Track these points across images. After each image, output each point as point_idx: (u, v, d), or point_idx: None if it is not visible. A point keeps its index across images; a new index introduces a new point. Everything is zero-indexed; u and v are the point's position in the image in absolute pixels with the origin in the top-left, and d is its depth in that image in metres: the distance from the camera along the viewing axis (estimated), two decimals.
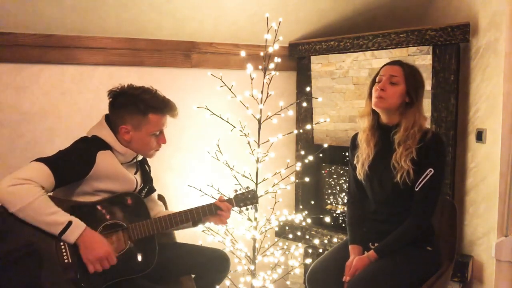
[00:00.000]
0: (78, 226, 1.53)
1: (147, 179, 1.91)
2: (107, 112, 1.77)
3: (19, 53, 2.17)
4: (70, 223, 1.51)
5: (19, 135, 2.23)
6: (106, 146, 1.68)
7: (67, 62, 2.28)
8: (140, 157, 1.85)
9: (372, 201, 1.85)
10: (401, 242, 1.72)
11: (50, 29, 2.21)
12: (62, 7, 2.11)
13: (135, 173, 1.83)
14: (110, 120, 1.75)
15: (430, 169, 1.67)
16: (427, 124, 2.23)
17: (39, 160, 1.54)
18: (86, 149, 1.64)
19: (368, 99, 1.81)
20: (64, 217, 1.52)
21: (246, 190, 1.93)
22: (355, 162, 1.86)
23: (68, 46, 2.27)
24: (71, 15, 2.17)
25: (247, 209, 1.95)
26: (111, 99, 1.75)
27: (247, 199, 1.91)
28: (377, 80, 1.76)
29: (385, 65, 1.79)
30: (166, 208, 2.13)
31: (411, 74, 1.73)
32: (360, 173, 1.83)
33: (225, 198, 1.89)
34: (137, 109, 1.70)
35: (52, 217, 1.49)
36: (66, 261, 1.54)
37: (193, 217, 1.80)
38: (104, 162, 1.64)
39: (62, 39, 2.25)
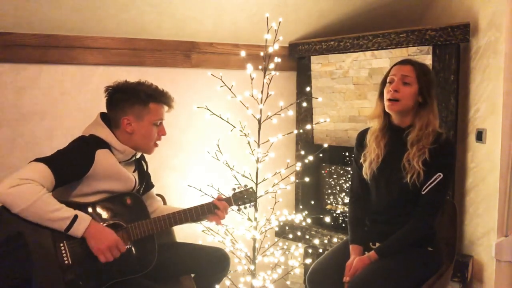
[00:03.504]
0: (84, 219, 1.54)
1: (144, 176, 1.91)
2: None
3: (19, 53, 2.17)
4: (75, 217, 1.52)
5: (19, 135, 2.23)
6: (104, 144, 1.68)
7: (67, 62, 2.28)
8: (138, 155, 1.85)
9: (376, 202, 1.83)
10: (402, 244, 1.71)
11: (50, 29, 2.21)
12: (62, 7, 2.11)
13: (134, 171, 1.83)
14: (109, 117, 1.75)
15: (439, 173, 1.65)
16: None
17: (38, 160, 1.54)
18: (84, 148, 1.64)
19: (379, 99, 1.78)
20: (68, 212, 1.52)
21: (245, 188, 1.93)
22: (361, 160, 1.84)
23: (68, 46, 2.27)
24: (71, 15, 2.17)
25: (245, 208, 1.95)
26: (108, 96, 1.76)
27: (245, 197, 1.91)
28: (388, 81, 1.74)
29: (395, 64, 1.76)
30: (165, 203, 2.13)
31: (423, 73, 1.70)
32: (366, 172, 1.81)
33: (224, 197, 1.89)
34: (138, 100, 1.72)
35: (57, 213, 1.49)
36: (66, 262, 1.54)
37: (192, 216, 1.80)
38: (103, 160, 1.64)
39: (62, 39, 2.25)
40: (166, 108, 1.81)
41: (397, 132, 1.75)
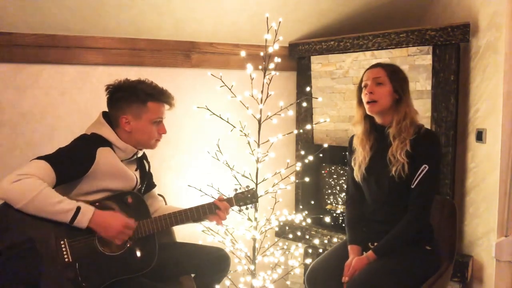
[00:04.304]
0: (88, 210, 1.55)
1: (145, 176, 1.91)
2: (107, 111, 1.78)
3: (19, 53, 2.17)
4: (78, 208, 1.52)
5: (19, 135, 2.23)
6: (105, 143, 1.69)
7: (67, 62, 2.28)
8: (140, 153, 1.85)
9: (370, 201, 1.86)
10: (399, 241, 1.72)
11: (50, 29, 2.21)
12: (63, 7, 2.11)
13: (136, 170, 1.83)
14: (109, 115, 1.76)
15: (425, 165, 1.69)
16: (427, 125, 2.24)
17: (39, 157, 1.54)
18: (86, 146, 1.65)
19: (358, 106, 1.85)
20: (71, 204, 1.53)
21: (246, 189, 1.93)
22: (352, 164, 1.89)
23: (68, 46, 2.27)
24: (71, 15, 2.17)
25: (247, 208, 1.95)
26: (108, 94, 1.76)
27: (247, 198, 1.91)
28: (363, 86, 1.80)
29: (366, 70, 1.83)
30: (166, 204, 2.14)
31: (393, 72, 1.77)
32: (357, 174, 1.86)
33: (225, 197, 1.89)
34: (136, 98, 1.72)
35: (60, 205, 1.50)
36: (66, 260, 1.55)
37: (193, 216, 1.80)
38: (104, 158, 1.65)
39: (62, 39, 2.25)
40: (166, 106, 1.81)
41: (381, 131, 1.80)
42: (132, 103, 1.72)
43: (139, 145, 1.79)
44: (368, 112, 1.78)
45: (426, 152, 1.70)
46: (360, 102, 1.83)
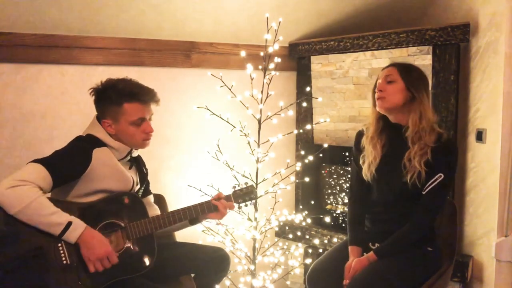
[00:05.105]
0: (78, 226, 1.53)
1: (144, 178, 1.91)
2: None
3: (19, 53, 2.17)
4: (70, 223, 1.51)
5: (19, 135, 2.23)
6: (101, 143, 1.68)
7: (67, 62, 2.28)
8: (135, 154, 1.84)
9: (376, 201, 1.82)
10: (401, 245, 1.71)
11: (50, 29, 2.21)
12: (62, 7, 2.11)
13: (129, 169, 1.82)
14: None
15: (440, 174, 1.65)
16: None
17: (36, 161, 1.54)
18: (82, 147, 1.64)
19: (373, 107, 1.81)
20: (63, 217, 1.51)
21: (245, 186, 1.93)
22: (360, 162, 1.85)
23: (68, 46, 2.27)
24: (71, 15, 2.17)
25: (245, 205, 1.95)
26: (93, 97, 1.75)
27: (245, 195, 1.90)
28: (376, 86, 1.78)
29: (381, 70, 1.81)
30: (165, 204, 2.14)
31: (406, 70, 1.74)
32: (366, 174, 1.81)
33: (224, 195, 1.89)
34: (111, 101, 1.69)
35: (52, 217, 1.49)
36: (64, 262, 1.54)
37: (191, 214, 1.79)
38: (101, 158, 1.64)
39: (62, 39, 2.25)
40: (151, 105, 1.75)
41: (397, 130, 1.76)
42: (109, 106, 1.70)
43: (130, 146, 1.77)
44: (377, 109, 1.75)
45: (444, 161, 1.67)
46: (375, 103, 1.80)
